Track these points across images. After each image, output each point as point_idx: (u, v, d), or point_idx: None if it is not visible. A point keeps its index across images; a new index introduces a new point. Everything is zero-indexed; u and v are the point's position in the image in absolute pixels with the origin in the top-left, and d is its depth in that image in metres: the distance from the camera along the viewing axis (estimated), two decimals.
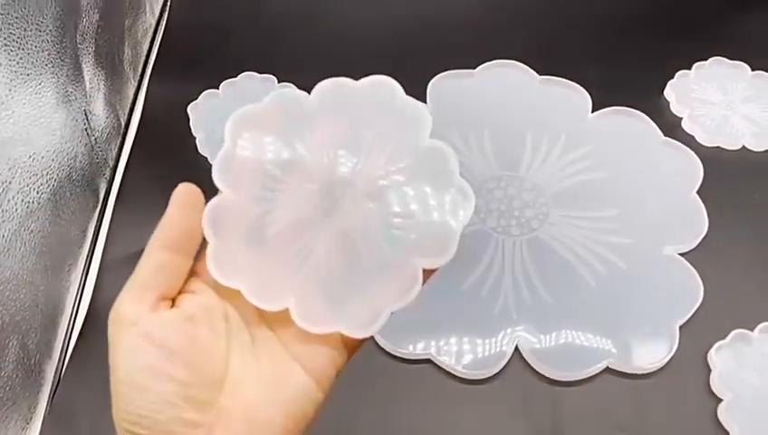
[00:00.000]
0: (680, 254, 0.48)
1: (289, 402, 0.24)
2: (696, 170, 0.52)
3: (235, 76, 0.58)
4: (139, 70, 0.60)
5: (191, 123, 0.55)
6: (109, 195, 0.52)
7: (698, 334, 0.44)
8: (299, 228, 0.27)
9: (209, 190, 0.55)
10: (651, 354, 0.43)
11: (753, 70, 0.57)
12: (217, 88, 0.57)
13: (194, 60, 0.60)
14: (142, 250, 0.50)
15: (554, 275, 0.47)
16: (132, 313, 0.25)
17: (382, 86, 0.30)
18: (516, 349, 0.44)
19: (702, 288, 0.45)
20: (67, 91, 0.46)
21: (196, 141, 0.54)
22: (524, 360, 0.43)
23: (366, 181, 0.27)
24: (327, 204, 0.27)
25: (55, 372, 0.44)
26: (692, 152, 0.53)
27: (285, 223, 0.27)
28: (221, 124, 0.61)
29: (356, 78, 0.66)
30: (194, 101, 0.56)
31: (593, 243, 0.48)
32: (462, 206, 0.28)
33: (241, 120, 0.29)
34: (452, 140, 0.54)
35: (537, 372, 0.43)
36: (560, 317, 0.45)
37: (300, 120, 0.29)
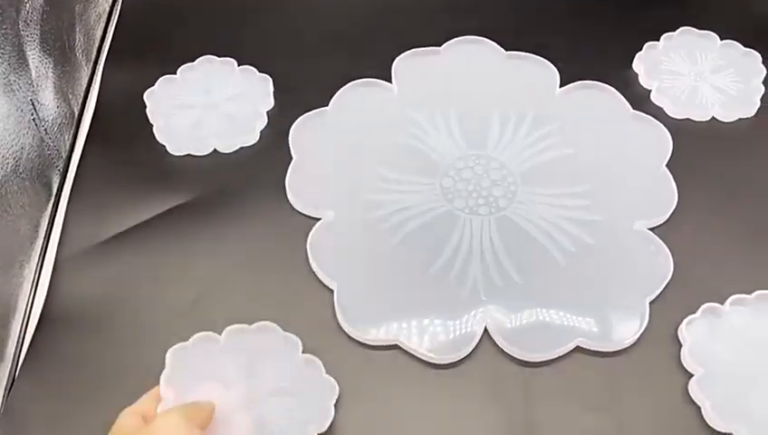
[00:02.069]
0: (650, 229, 0.47)
1: None
2: (666, 143, 0.51)
3: (193, 60, 0.56)
4: (93, 56, 0.58)
5: (148, 110, 0.53)
6: (62, 187, 0.50)
7: (669, 309, 0.43)
8: None
9: (169, 178, 0.54)
10: (622, 331, 0.42)
11: (721, 39, 0.56)
12: (175, 73, 0.55)
13: (150, 45, 0.58)
14: (100, 244, 0.48)
15: (523, 254, 0.46)
16: None
17: None
18: (486, 331, 0.43)
19: (672, 263, 0.45)
20: (9, 81, 0.44)
21: (154, 129, 0.52)
22: (494, 342, 0.42)
23: None
24: None
25: (8, 375, 0.42)
26: (661, 125, 0.52)
27: None
28: (179, 111, 0.60)
29: (319, 59, 0.64)
30: (150, 88, 0.54)
31: (562, 220, 0.47)
32: None
33: None
34: (418, 120, 0.52)
35: (507, 354, 0.42)
36: (529, 297, 0.44)
37: None
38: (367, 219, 0.47)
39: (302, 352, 0.40)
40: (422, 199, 0.48)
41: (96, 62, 0.58)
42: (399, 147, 0.51)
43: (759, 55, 0.55)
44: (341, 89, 0.54)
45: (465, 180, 0.49)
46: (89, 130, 0.53)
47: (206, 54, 0.56)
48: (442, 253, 0.46)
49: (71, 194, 0.49)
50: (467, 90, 0.55)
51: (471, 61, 0.56)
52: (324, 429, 0.38)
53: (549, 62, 0.55)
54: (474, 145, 0.51)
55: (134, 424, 0.35)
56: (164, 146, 0.52)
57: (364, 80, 0.55)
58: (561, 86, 0.54)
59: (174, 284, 0.45)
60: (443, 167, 0.50)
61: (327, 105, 0.54)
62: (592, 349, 0.42)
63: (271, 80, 0.55)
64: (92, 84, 0.57)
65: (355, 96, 0.54)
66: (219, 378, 0.39)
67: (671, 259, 0.45)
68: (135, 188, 0.50)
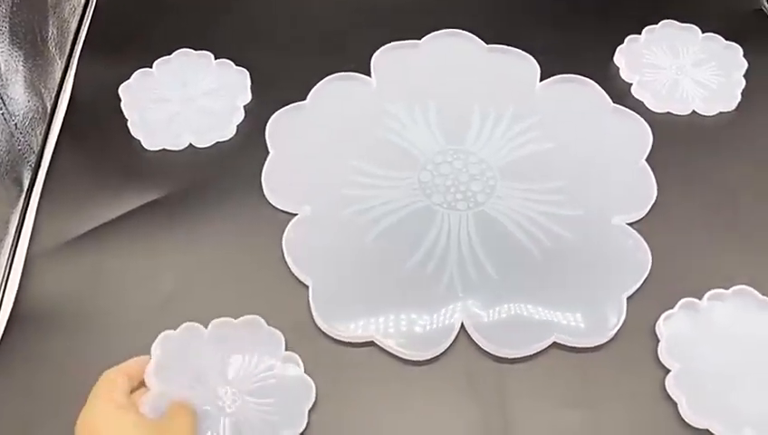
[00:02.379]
0: (629, 223, 0.46)
1: None
2: (646, 138, 0.50)
3: (170, 54, 0.55)
4: (67, 50, 0.57)
5: (123, 104, 0.52)
6: (34, 183, 0.49)
7: (646, 305, 0.43)
8: None
9: (144, 173, 0.53)
10: (599, 327, 0.42)
11: (703, 32, 0.56)
12: (151, 66, 0.54)
13: (126, 38, 0.57)
14: (72, 240, 0.48)
15: (501, 249, 0.45)
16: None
17: None
18: (462, 327, 0.42)
19: (650, 258, 0.44)
20: None
21: (128, 123, 0.51)
22: (471, 338, 0.42)
23: None
24: None
25: None
26: (641, 119, 0.51)
27: None
28: (155, 105, 0.59)
29: (297, 52, 0.63)
30: (126, 81, 0.53)
31: (541, 215, 0.47)
32: None
33: None
34: (397, 114, 0.52)
35: (484, 350, 0.42)
36: (506, 293, 0.43)
37: None
38: (344, 215, 0.47)
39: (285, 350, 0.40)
40: (400, 194, 0.48)
41: (71, 56, 0.57)
42: (378, 141, 0.51)
43: (740, 48, 0.55)
44: (319, 83, 0.53)
45: (444, 175, 0.49)
46: (62, 125, 0.52)
47: (182, 48, 0.55)
48: (419, 248, 0.45)
49: (42, 190, 0.49)
50: (447, 84, 0.54)
51: (451, 54, 0.56)
52: (299, 432, 0.38)
53: (530, 56, 0.55)
54: (453, 139, 0.51)
55: (121, 383, 0.35)
56: (139, 141, 0.51)
57: (342, 73, 0.54)
58: (541, 80, 0.54)
59: (148, 280, 0.44)
60: (421, 161, 0.49)
61: (305, 99, 0.53)
62: (569, 345, 0.42)
63: (248, 73, 0.54)
64: (66, 78, 0.56)
65: (333, 90, 0.53)
66: (200, 373, 0.39)
67: (649, 254, 0.44)
68: (109, 183, 0.49)
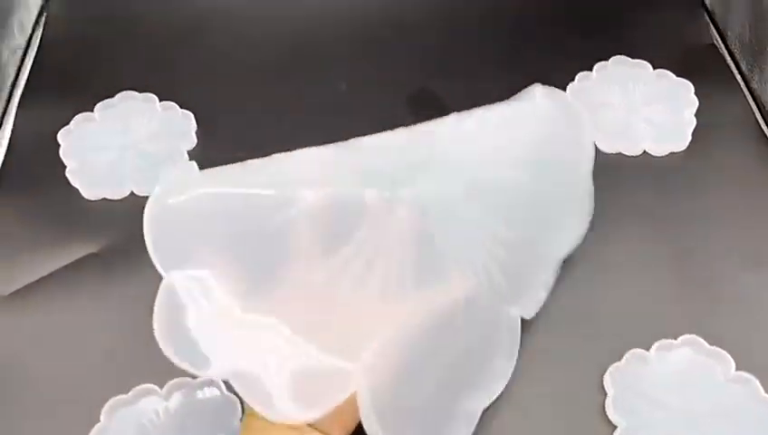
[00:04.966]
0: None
1: None
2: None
3: (113, 96, 0.54)
4: (5, 95, 0.55)
5: (61, 151, 0.51)
6: None
7: (594, 357, 0.42)
8: None
9: (82, 223, 0.51)
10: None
11: (654, 68, 0.56)
12: (92, 111, 0.53)
13: (68, 81, 0.56)
14: (5, 298, 0.46)
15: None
16: None
17: None
18: None
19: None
20: None
21: (66, 171, 0.50)
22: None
23: None
24: None
25: None
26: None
27: None
28: (95, 151, 0.57)
29: (240, 95, 0.62)
30: (65, 127, 0.52)
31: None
32: None
33: None
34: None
35: None
36: None
37: None
38: None
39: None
40: None
41: (9, 102, 0.55)
42: None
43: (692, 86, 0.54)
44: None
45: None
46: None
47: (126, 90, 0.54)
48: None
49: None
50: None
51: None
52: None
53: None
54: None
55: None
56: (77, 189, 0.49)
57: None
58: None
59: (87, 338, 0.43)
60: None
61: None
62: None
63: (193, 116, 0.53)
64: (4, 125, 0.54)
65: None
66: None
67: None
68: (45, 235, 0.47)
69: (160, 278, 0.45)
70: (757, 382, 0.40)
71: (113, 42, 0.59)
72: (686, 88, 0.54)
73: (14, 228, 0.48)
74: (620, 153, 0.52)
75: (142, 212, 0.49)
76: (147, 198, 0.49)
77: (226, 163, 0.50)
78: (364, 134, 0.54)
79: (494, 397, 0.39)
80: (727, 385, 0.40)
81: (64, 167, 0.50)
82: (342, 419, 0.35)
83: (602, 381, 0.41)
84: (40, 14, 0.61)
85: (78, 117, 0.52)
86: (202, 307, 0.35)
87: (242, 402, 0.39)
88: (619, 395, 0.40)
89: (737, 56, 0.58)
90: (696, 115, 0.53)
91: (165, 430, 0.38)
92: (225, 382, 0.39)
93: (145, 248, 0.47)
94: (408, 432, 0.35)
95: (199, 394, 0.40)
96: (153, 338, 0.42)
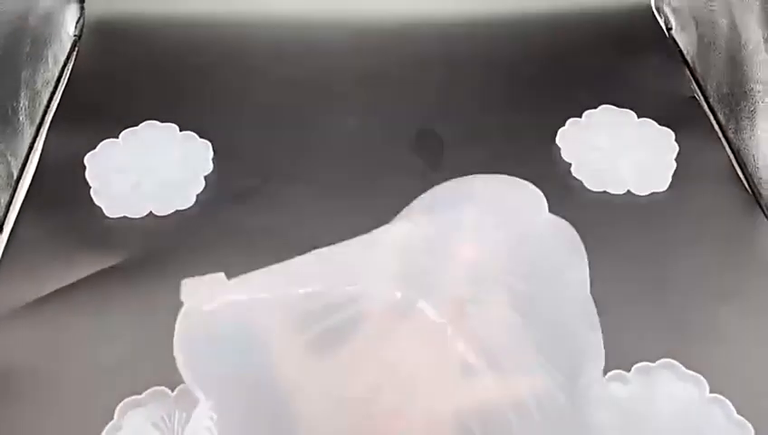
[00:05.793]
0: None
1: None
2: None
3: (137, 125, 0.58)
4: (38, 120, 0.60)
5: (87, 173, 0.55)
6: None
7: None
8: None
9: (103, 239, 0.54)
10: None
11: (639, 117, 0.60)
12: (117, 137, 0.57)
13: (96, 110, 0.60)
14: (28, 305, 0.49)
15: None
16: None
17: None
18: None
19: None
20: None
21: (91, 191, 0.54)
22: None
23: None
24: None
25: None
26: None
27: None
28: (118, 174, 0.61)
29: (255, 127, 0.66)
30: (92, 151, 0.56)
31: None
32: None
33: None
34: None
35: None
36: None
37: None
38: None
39: None
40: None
41: (40, 126, 0.59)
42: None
43: (672, 133, 0.59)
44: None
45: None
46: (27, 192, 0.54)
47: (149, 120, 0.58)
48: None
49: (2, 256, 0.50)
50: None
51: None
52: None
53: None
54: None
55: None
56: (101, 208, 0.53)
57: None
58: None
59: (103, 346, 0.46)
60: None
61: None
62: None
63: (210, 145, 0.57)
64: (35, 147, 0.58)
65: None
66: None
67: None
68: (68, 249, 0.51)
69: (175, 289, 0.48)
70: (730, 404, 0.43)
71: (138, 75, 0.63)
72: (667, 135, 0.59)
73: (42, 242, 0.51)
74: (606, 192, 0.56)
75: (159, 230, 0.53)
76: (164, 217, 0.53)
77: (240, 186, 0.54)
78: (370, 165, 0.58)
79: None
80: (702, 406, 0.43)
81: (89, 187, 0.54)
82: None
83: None
84: (72, 49, 0.66)
85: (104, 142, 0.56)
86: None
87: None
88: None
89: (715, 107, 0.62)
90: (677, 159, 0.57)
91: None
92: None
93: (159, 262, 0.50)
94: None
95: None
96: (168, 345, 0.46)
